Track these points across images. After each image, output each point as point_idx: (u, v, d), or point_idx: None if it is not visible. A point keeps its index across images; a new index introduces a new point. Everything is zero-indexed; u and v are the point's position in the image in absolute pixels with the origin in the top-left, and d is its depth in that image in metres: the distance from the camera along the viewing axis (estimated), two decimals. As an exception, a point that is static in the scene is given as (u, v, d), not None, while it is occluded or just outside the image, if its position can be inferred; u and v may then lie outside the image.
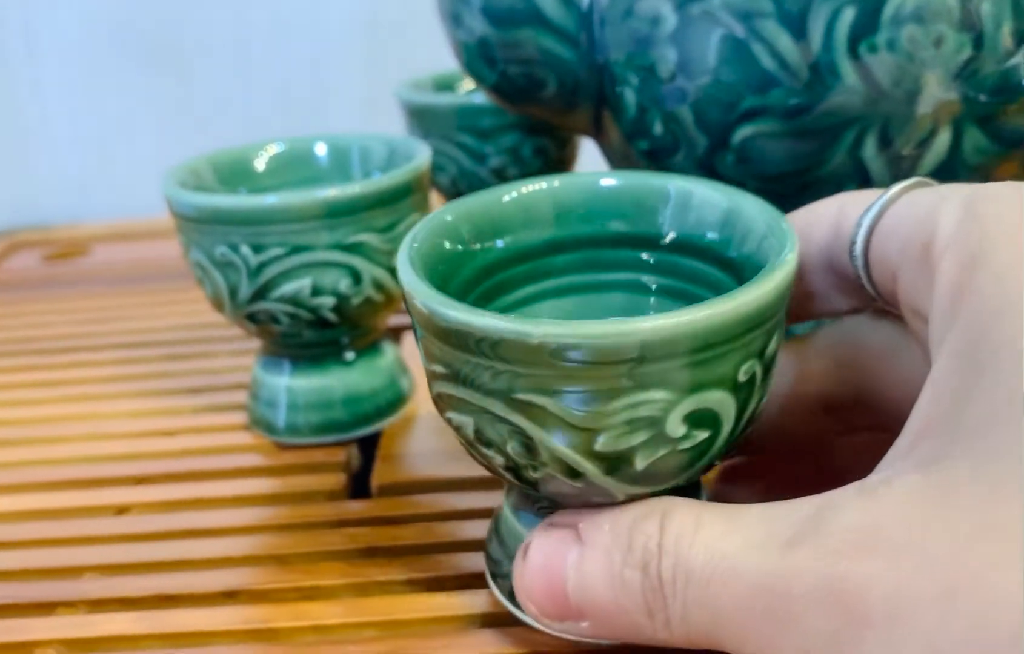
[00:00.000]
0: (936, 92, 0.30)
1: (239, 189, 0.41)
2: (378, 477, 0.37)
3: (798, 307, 0.27)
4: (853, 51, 0.29)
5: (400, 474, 0.37)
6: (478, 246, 0.28)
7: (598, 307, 0.30)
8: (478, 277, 0.28)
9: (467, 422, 0.24)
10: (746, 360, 0.22)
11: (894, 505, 0.18)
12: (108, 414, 0.44)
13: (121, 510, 0.37)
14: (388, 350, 0.42)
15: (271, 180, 0.42)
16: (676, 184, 0.28)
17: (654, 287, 0.29)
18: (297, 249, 0.35)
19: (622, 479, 0.22)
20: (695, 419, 0.21)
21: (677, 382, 0.21)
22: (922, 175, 0.31)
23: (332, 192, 0.35)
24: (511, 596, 0.27)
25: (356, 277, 0.36)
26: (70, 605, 0.31)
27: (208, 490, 0.37)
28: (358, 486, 0.38)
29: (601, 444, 0.21)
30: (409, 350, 0.47)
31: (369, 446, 0.40)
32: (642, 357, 0.20)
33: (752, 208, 0.26)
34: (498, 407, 0.22)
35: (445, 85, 0.55)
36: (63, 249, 0.69)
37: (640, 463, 0.22)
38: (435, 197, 0.53)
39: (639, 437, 0.21)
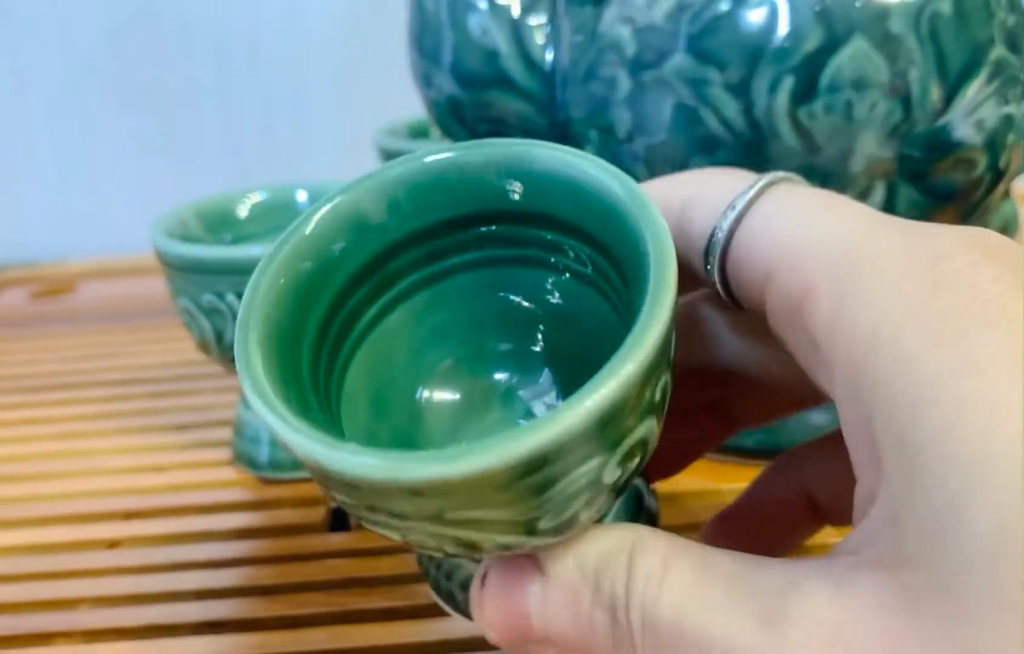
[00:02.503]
0: (870, 151, 0.32)
1: (224, 236, 0.43)
2: (357, 510, 0.39)
3: None
4: (793, 115, 0.32)
5: (378, 507, 0.40)
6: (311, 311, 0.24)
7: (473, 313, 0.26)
8: (325, 320, 0.24)
9: (395, 535, 0.21)
10: (656, 383, 0.21)
11: (862, 608, 0.17)
12: (98, 451, 0.46)
13: (112, 544, 0.39)
14: (366, 388, 0.44)
15: (255, 226, 0.44)
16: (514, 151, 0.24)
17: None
18: (280, 296, 0.37)
19: (568, 531, 0.21)
20: (627, 456, 0.21)
21: (600, 449, 0.19)
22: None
23: (312, 243, 0.37)
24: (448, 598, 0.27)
25: (335, 322, 0.39)
26: (67, 636, 0.33)
27: (195, 524, 0.40)
28: (338, 519, 0.40)
29: (544, 524, 0.20)
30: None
31: (349, 480, 0.42)
32: (545, 461, 0.18)
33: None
34: (427, 529, 0.20)
35: (419, 131, 0.57)
36: (50, 286, 0.71)
37: (585, 517, 0.21)
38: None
39: (580, 502, 0.20)
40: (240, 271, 0.37)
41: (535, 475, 0.18)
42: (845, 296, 0.19)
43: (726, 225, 0.22)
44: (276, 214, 0.45)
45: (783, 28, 0.31)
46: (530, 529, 0.20)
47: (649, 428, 0.21)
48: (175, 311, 0.40)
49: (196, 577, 0.36)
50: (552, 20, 0.36)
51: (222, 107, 0.79)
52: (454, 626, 0.32)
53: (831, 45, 0.31)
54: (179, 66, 0.78)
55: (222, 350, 0.39)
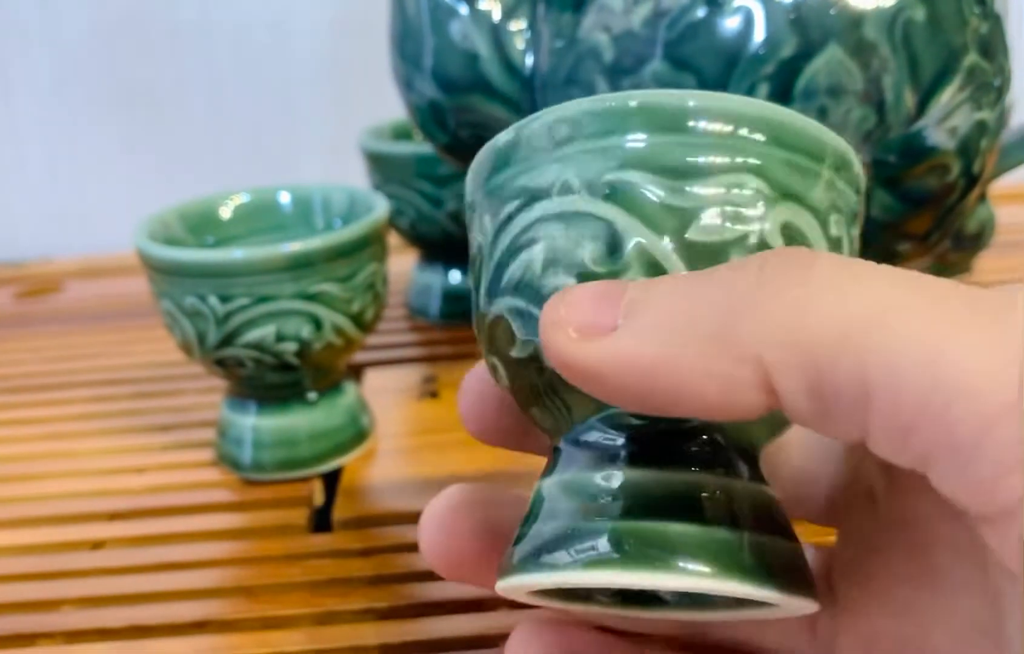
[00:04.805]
0: (846, 157, 0.33)
1: (207, 238, 0.44)
2: (339, 511, 0.40)
3: None
4: (768, 121, 0.32)
5: (360, 508, 0.40)
6: None
7: None
8: None
9: (537, 248, 0.20)
10: (832, 211, 0.20)
11: None
12: (81, 452, 0.46)
13: (96, 545, 0.39)
14: (349, 390, 0.44)
15: (237, 228, 0.45)
16: None
17: None
18: (262, 299, 0.38)
19: None
20: (789, 238, 0.20)
21: (775, 175, 0.19)
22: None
23: (295, 246, 0.38)
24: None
25: (317, 324, 0.39)
26: (50, 637, 0.34)
27: (178, 525, 0.40)
28: (321, 520, 0.41)
29: (695, 230, 0.19)
30: (369, 388, 0.50)
31: (332, 481, 0.42)
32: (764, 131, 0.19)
33: None
34: (583, 199, 0.19)
35: (403, 134, 0.57)
36: (36, 286, 0.71)
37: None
38: (394, 239, 0.56)
39: (734, 231, 0.19)
40: (222, 274, 0.37)
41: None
42: None
43: None
44: (259, 216, 0.45)
45: (759, 35, 0.32)
46: (680, 228, 0.19)
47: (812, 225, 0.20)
48: (158, 311, 0.41)
49: (179, 578, 0.36)
50: (532, 25, 0.37)
51: (209, 108, 0.79)
52: (434, 626, 0.33)
53: (806, 52, 0.32)
54: (166, 68, 0.78)
55: (204, 352, 0.39)
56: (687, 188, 0.19)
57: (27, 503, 0.42)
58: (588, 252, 0.19)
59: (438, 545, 0.25)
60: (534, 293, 0.20)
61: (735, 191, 0.19)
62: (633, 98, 0.20)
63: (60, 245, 0.78)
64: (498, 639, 0.32)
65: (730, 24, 0.32)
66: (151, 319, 0.59)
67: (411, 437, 0.46)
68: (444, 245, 0.56)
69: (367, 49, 0.62)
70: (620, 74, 0.34)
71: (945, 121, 0.33)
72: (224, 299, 0.38)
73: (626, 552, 0.18)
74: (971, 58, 0.33)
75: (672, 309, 0.18)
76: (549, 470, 0.22)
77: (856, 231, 0.22)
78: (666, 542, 0.19)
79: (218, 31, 0.77)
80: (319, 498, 0.42)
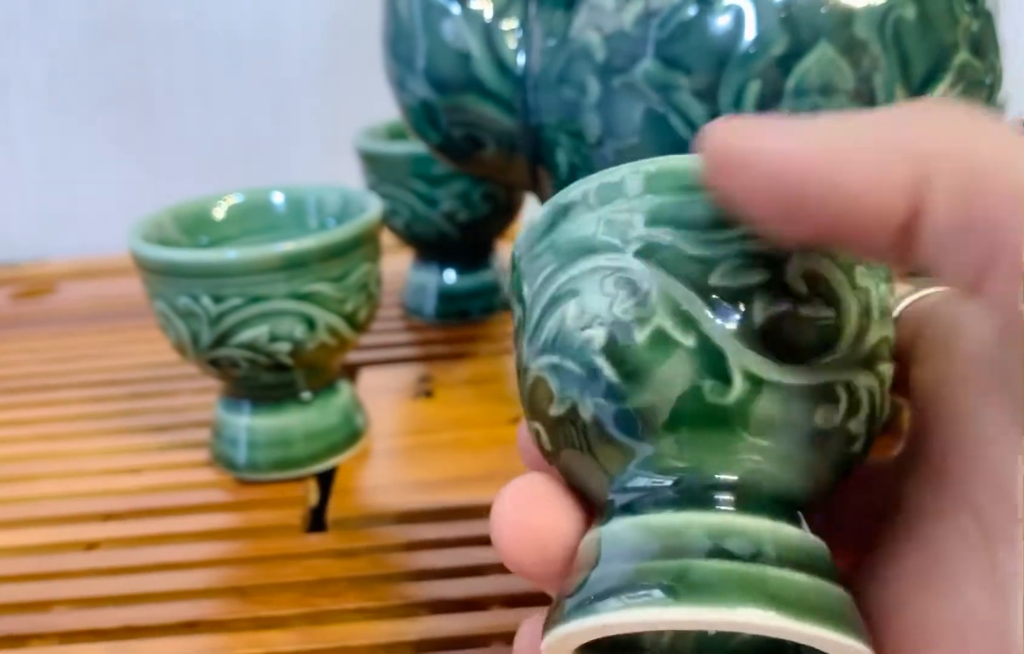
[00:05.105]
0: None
1: (200, 238, 0.44)
2: (333, 511, 0.40)
3: None
4: (760, 120, 0.32)
5: (354, 508, 0.40)
6: None
7: None
8: None
9: (571, 303, 0.21)
10: (858, 263, 0.20)
11: None
12: (76, 453, 0.46)
13: (90, 546, 0.39)
14: (344, 389, 0.44)
15: (231, 229, 0.45)
16: None
17: None
18: (255, 299, 0.38)
19: (740, 336, 0.20)
20: (814, 285, 0.20)
21: None
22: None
23: (288, 246, 0.38)
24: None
25: (311, 324, 0.39)
26: (42, 638, 0.34)
27: (173, 525, 0.40)
28: (316, 519, 0.41)
29: (717, 276, 0.20)
30: (364, 388, 0.50)
31: (327, 481, 0.42)
32: None
33: None
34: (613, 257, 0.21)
35: (398, 133, 0.57)
36: (30, 287, 0.71)
37: (759, 314, 0.20)
38: (390, 240, 0.56)
39: (755, 276, 0.20)
40: (215, 274, 0.37)
41: None
42: None
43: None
44: (252, 217, 0.45)
45: (749, 33, 0.32)
46: (703, 279, 0.20)
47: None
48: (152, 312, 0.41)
49: (173, 578, 0.36)
50: (524, 25, 0.37)
51: (202, 109, 0.79)
52: (426, 626, 0.33)
53: (797, 50, 0.32)
54: (159, 68, 0.78)
55: (198, 352, 0.39)
56: (708, 239, 0.20)
57: (22, 504, 0.42)
58: (617, 301, 0.20)
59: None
60: (567, 346, 0.21)
61: (754, 243, 0.20)
62: (654, 163, 0.21)
63: (53, 246, 0.78)
64: (491, 638, 0.32)
65: (721, 23, 0.32)
66: (146, 320, 0.59)
67: (406, 437, 0.46)
68: (439, 245, 0.56)
69: (361, 48, 0.62)
70: (611, 73, 0.34)
71: (936, 119, 0.33)
72: (217, 299, 0.38)
73: (679, 591, 0.18)
74: (962, 56, 0.33)
75: (835, 119, 0.18)
76: (599, 522, 0.21)
77: (888, 286, 0.22)
78: (721, 581, 0.18)
79: (211, 31, 0.77)
80: (314, 498, 0.42)
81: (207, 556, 0.38)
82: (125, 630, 0.34)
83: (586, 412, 0.20)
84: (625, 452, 0.21)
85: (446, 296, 0.58)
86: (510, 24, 0.37)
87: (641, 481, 0.21)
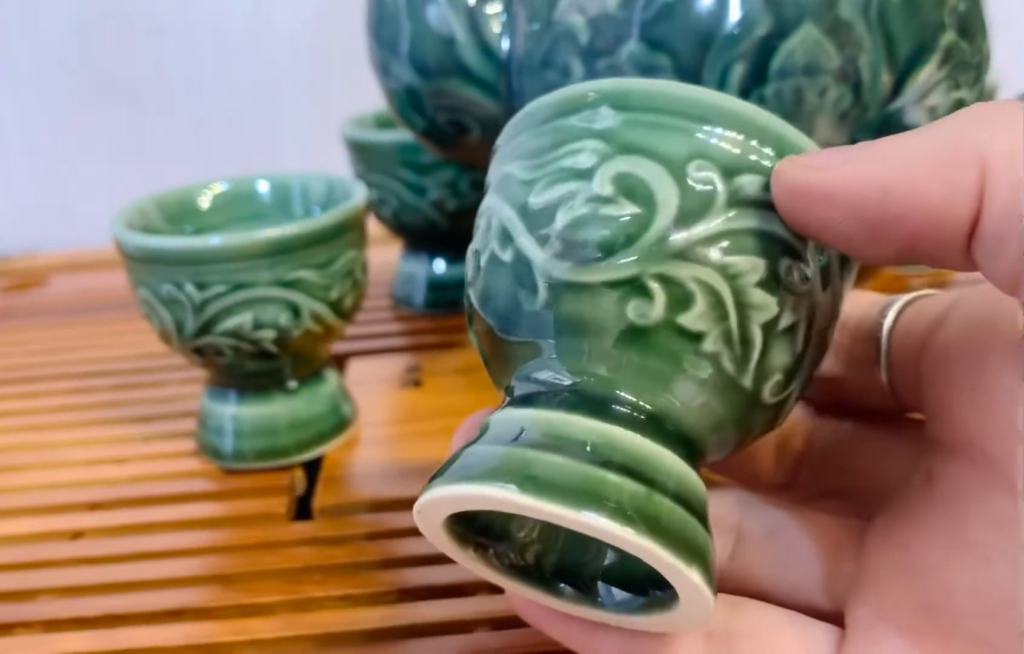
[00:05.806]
0: (822, 136, 0.33)
1: (185, 227, 0.43)
2: (319, 499, 0.39)
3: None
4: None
5: (340, 496, 0.40)
6: None
7: None
8: None
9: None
10: (695, 157, 0.21)
11: None
12: (62, 443, 0.46)
13: (75, 535, 0.39)
14: (331, 378, 0.44)
15: (216, 217, 0.44)
16: None
17: None
18: (239, 286, 0.37)
19: (544, 243, 0.21)
20: (624, 185, 0.21)
21: (615, 136, 0.21)
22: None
23: (272, 232, 0.37)
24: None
25: (295, 311, 0.39)
26: (27, 626, 0.33)
27: (158, 515, 0.40)
28: (302, 508, 0.40)
29: (534, 194, 0.21)
30: (352, 377, 0.50)
31: (314, 469, 0.42)
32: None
33: None
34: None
35: (386, 122, 0.57)
36: (20, 280, 0.70)
37: (560, 221, 0.21)
38: (380, 230, 0.56)
39: (563, 189, 0.21)
40: (198, 261, 0.37)
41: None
42: None
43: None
44: (238, 205, 0.45)
45: (734, 14, 0.32)
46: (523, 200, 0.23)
47: (660, 177, 0.21)
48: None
49: (158, 567, 0.36)
50: (508, 8, 0.36)
51: (191, 101, 0.78)
52: (412, 612, 0.32)
53: (781, 31, 0.31)
54: (148, 61, 0.77)
55: (182, 340, 0.39)
56: (535, 163, 0.22)
57: (8, 494, 0.42)
58: (478, 235, 0.23)
59: None
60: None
61: (570, 159, 0.21)
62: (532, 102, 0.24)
63: (42, 239, 0.77)
64: (476, 624, 0.32)
65: (705, 3, 0.32)
66: (133, 312, 0.59)
67: (394, 426, 0.46)
68: (428, 234, 0.56)
69: (348, 38, 0.61)
70: (596, 56, 0.33)
71: (923, 100, 0.33)
72: (200, 286, 0.37)
73: (529, 482, 0.19)
74: (949, 37, 0.33)
75: (900, 139, 0.19)
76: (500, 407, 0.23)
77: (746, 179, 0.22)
78: (570, 480, 0.19)
79: (198, 22, 0.77)
80: (301, 487, 0.41)
81: (192, 545, 0.38)
82: (110, 618, 0.33)
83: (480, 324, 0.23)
84: (508, 359, 0.23)
85: (435, 286, 0.58)
86: (494, 8, 0.37)
87: (544, 375, 0.22)
